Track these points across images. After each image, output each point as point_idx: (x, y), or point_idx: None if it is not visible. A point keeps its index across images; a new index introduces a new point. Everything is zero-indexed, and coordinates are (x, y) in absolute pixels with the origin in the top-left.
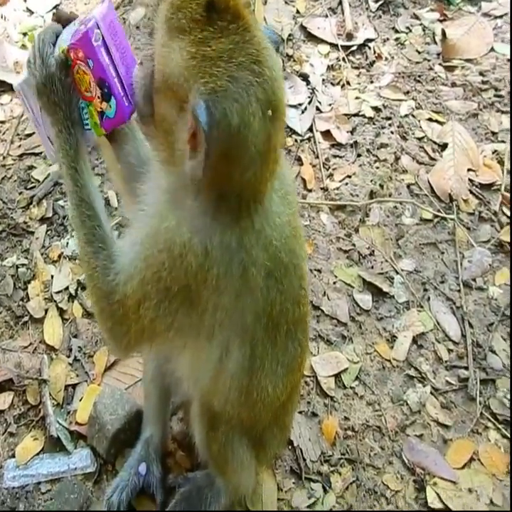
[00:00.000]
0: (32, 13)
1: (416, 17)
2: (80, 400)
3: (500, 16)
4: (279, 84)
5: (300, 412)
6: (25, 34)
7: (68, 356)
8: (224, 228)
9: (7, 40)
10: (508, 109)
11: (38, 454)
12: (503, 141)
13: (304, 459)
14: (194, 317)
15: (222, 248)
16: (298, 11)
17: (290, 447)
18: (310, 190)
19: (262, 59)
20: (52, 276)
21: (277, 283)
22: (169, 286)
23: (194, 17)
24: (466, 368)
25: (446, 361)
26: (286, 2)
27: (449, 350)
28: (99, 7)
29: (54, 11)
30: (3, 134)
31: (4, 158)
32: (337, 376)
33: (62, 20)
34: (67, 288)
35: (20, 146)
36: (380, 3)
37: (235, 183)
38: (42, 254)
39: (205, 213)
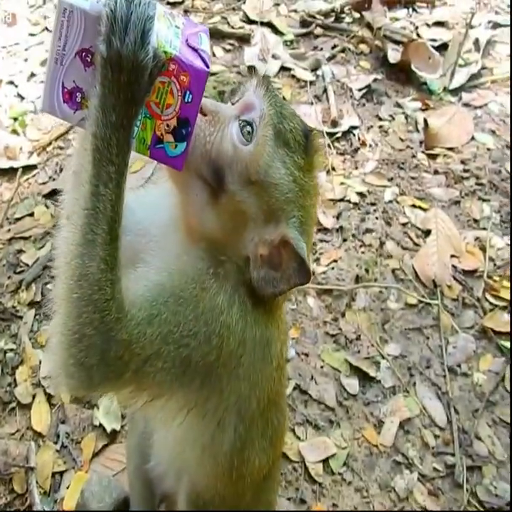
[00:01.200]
0: (23, 98)
1: (399, 105)
2: (68, 488)
3: (480, 107)
4: None
5: (288, 499)
6: (15, 119)
7: (55, 443)
8: (258, 324)
9: None
10: (489, 197)
11: None
12: (484, 229)
13: None
14: (203, 393)
15: (255, 341)
16: (284, 98)
17: None
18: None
19: None
20: (40, 361)
21: (281, 372)
22: (193, 358)
23: (297, 138)
24: (453, 455)
25: (432, 447)
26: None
27: (436, 436)
28: (204, 38)
29: None
30: None
31: None
32: (325, 462)
33: None
34: None
35: (9, 230)
36: (364, 91)
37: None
38: (30, 339)
39: (246, 305)
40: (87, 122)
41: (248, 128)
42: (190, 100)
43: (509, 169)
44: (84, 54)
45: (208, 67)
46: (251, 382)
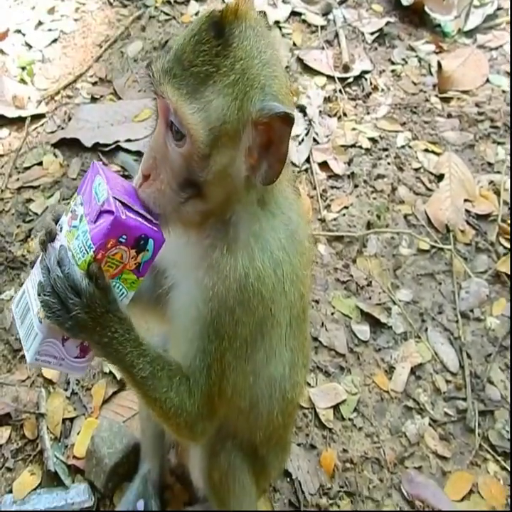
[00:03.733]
0: (31, 47)
1: (412, 49)
2: (78, 434)
3: (496, 48)
4: None
5: (298, 444)
6: (24, 68)
7: (66, 390)
8: (277, 228)
9: (6, 75)
10: (504, 140)
11: (35, 489)
12: (499, 172)
13: (303, 492)
14: (267, 339)
15: (284, 246)
16: (294, 44)
17: (288, 479)
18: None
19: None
20: None
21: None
22: (246, 333)
23: (212, 54)
24: (465, 400)
25: (444, 392)
26: (283, 35)
27: (447, 381)
28: (99, 178)
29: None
30: (2, 167)
31: (2, 191)
32: (335, 408)
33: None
34: None
35: (18, 179)
36: (376, 35)
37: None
38: None
39: (262, 227)
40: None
41: (174, 127)
42: (126, 237)
43: None
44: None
45: (112, 213)
46: (294, 282)
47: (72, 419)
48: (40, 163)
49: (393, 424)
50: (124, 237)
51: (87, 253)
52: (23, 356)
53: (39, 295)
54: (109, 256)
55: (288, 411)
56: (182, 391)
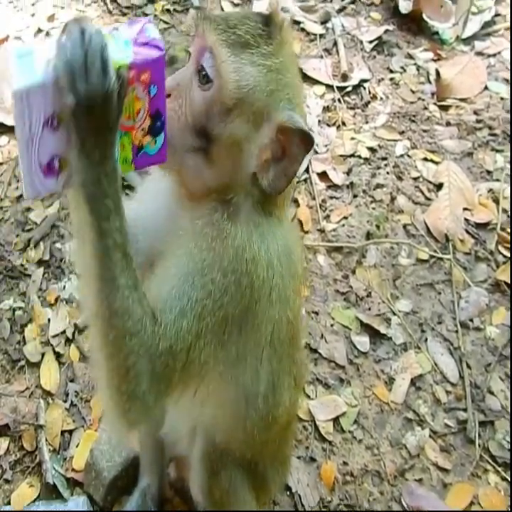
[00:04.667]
0: None
1: (410, 57)
2: (77, 446)
3: (493, 55)
4: None
5: (298, 457)
6: None
7: (65, 401)
8: (276, 237)
9: (5, 81)
10: (503, 147)
11: (33, 501)
12: (498, 180)
13: (303, 505)
14: (242, 338)
15: (280, 256)
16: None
17: (288, 493)
18: (306, 232)
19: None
20: (48, 320)
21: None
22: (230, 312)
23: (256, 32)
24: (465, 410)
25: (444, 403)
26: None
27: (447, 392)
28: (150, 26)
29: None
30: (1, 175)
31: (1, 200)
32: (335, 420)
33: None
34: (64, 332)
35: (17, 187)
36: (375, 43)
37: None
38: (39, 297)
39: (262, 226)
40: (73, 177)
41: (205, 72)
42: (155, 92)
43: None
44: (49, 122)
45: (161, 50)
46: (283, 301)
47: (71, 431)
48: None
49: (393, 436)
50: (155, 89)
51: (124, 60)
52: (22, 367)
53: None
54: (133, 90)
55: (273, 430)
56: (147, 328)
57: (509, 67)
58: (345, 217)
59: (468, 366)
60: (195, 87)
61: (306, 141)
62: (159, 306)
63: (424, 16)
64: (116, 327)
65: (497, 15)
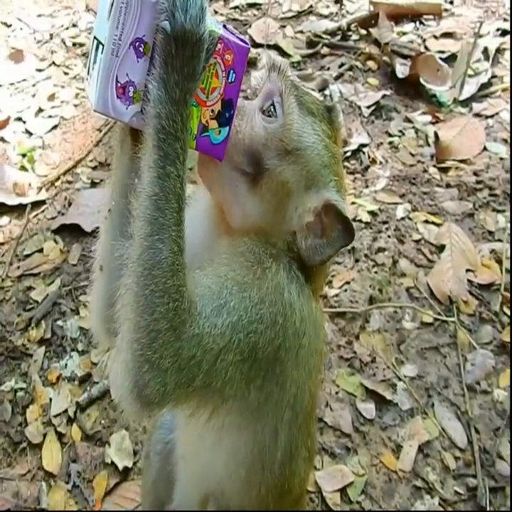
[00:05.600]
0: (31, 134)
1: (408, 120)
2: None
3: (491, 116)
4: None
5: None
6: (24, 155)
7: (67, 482)
8: (310, 300)
9: (6, 162)
10: (504, 207)
11: None
12: (500, 240)
13: None
14: (266, 389)
15: (311, 319)
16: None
17: None
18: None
19: None
20: (50, 400)
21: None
22: (261, 346)
23: (321, 109)
24: (475, 476)
25: (453, 470)
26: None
27: (456, 458)
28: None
29: None
30: (2, 255)
31: (3, 280)
32: (342, 490)
33: None
34: (66, 411)
35: (18, 267)
36: (373, 108)
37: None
38: (40, 377)
39: (301, 281)
40: (149, 107)
41: (272, 108)
42: (233, 80)
43: None
44: (137, 44)
45: (247, 44)
46: (307, 369)
47: None
48: (40, 250)
49: (402, 506)
50: (234, 76)
51: (217, 29)
52: (24, 449)
53: None
54: (216, 63)
55: (287, 501)
56: (184, 301)
57: (508, 127)
58: (347, 282)
59: (477, 431)
60: (258, 116)
61: (347, 233)
62: (198, 292)
63: (421, 80)
64: (157, 281)
65: (493, 77)
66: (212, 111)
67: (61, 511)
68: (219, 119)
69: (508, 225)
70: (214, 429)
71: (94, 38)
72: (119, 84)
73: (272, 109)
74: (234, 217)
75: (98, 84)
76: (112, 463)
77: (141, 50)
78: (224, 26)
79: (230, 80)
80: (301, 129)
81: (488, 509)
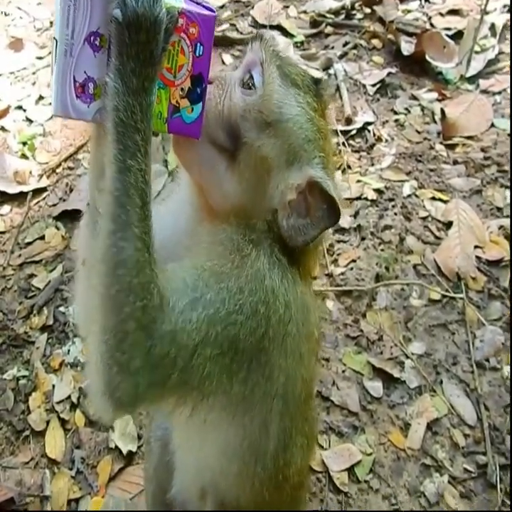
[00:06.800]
0: (31, 122)
1: (414, 98)
2: None
3: (499, 92)
4: None
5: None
6: (25, 143)
7: (71, 469)
8: (297, 284)
9: (7, 151)
10: (510, 183)
11: None
12: (508, 216)
13: None
14: (251, 381)
15: (298, 305)
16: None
17: None
18: (315, 278)
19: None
20: (53, 386)
21: (318, 344)
22: (242, 337)
23: (306, 81)
24: (484, 454)
25: (463, 447)
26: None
27: (466, 436)
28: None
29: None
30: (4, 244)
31: (4, 268)
32: (350, 470)
33: None
34: (68, 397)
35: (20, 255)
36: (378, 86)
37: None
38: (43, 364)
39: (284, 265)
40: (106, 100)
41: (251, 79)
42: (201, 53)
43: None
44: (92, 38)
45: (213, 12)
46: (297, 356)
47: (77, 500)
48: (42, 237)
49: (411, 484)
50: (201, 49)
51: (178, 3)
52: (27, 436)
53: None
54: (180, 40)
55: (284, 490)
56: (154, 298)
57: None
58: (353, 261)
59: (486, 408)
60: (238, 88)
61: (333, 213)
62: (172, 287)
63: (427, 57)
64: (121, 280)
65: (501, 53)
66: (182, 89)
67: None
68: (190, 97)
69: None
70: (201, 424)
71: (54, 38)
72: (77, 84)
73: (252, 81)
74: (214, 198)
75: (55, 87)
76: (116, 448)
77: (98, 44)
78: None
79: (197, 54)
80: (282, 100)
81: (498, 486)
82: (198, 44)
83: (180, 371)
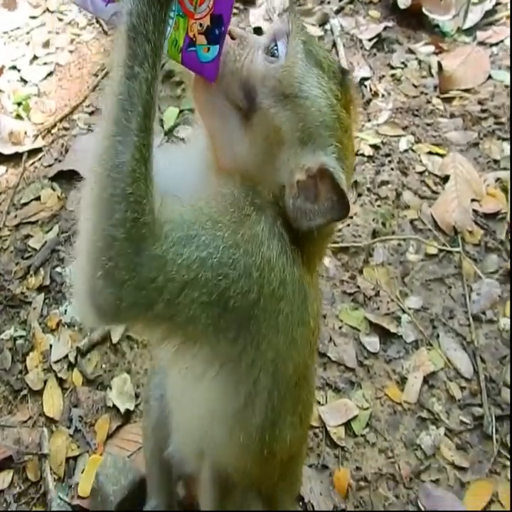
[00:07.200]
0: (26, 82)
1: (411, 52)
2: (82, 472)
3: (496, 44)
4: None
5: (310, 466)
6: (19, 104)
7: (69, 427)
8: (297, 266)
9: (2, 112)
10: (509, 135)
11: None
12: (505, 169)
13: None
14: (239, 344)
15: (294, 286)
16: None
17: (301, 503)
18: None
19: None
20: (50, 346)
21: (315, 339)
22: (232, 294)
23: (332, 66)
24: (481, 406)
25: (459, 400)
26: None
27: (462, 388)
28: None
29: None
30: None
31: (0, 229)
32: (347, 424)
33: None
34: (66, 356)
35: (16, 216)
36: (375, 41)
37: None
38: (40, 324)
39: (285, 241)
40: (122, 3)
41: (276, 48)
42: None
43: None
44: None
45: None
46: (289, 338)
47: (75, 458)
48: (38, 198)
49: (407, 437)
50: None
51: None
52: (25, 396)
53: None
54: None
55: (273, 463)
56: (146, 215)
57: (510, 55)
58: (350, 217)
59: (483, 360)
60: (261, 53)
61: (342, 207)
62: (168, 216)
63: (424, 10)
64: (115, 184)
65: (498, 4)
66: (201, 25)
67: None
68: (208, 36)
69: None
70: (193, 384)
71: None
72: None
73: (276, 50)
74: (223, 155)
75: None
76: (114, 406)
77: None
78: None
79: None
80: (303, 76)
81: (494, 437)
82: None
83: (166, 303)
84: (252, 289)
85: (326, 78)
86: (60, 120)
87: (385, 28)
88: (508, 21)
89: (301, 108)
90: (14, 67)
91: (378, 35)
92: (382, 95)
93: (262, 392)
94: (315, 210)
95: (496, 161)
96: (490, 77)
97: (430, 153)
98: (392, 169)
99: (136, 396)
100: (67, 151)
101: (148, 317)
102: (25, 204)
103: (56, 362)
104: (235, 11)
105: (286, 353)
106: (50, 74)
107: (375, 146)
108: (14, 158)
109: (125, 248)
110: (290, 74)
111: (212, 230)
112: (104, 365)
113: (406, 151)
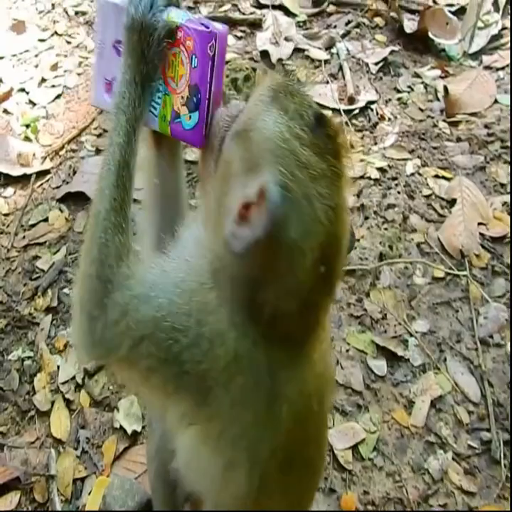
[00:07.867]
0: (34, 104)
1: (417, 75)
2: (89, 494)
3: (502, 68)
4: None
5: (317, 490)
6: (28, 126)
7: (76, 448)
8: (258, 344)
9: (10, 134)
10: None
11: None
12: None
13: None
14: (204, 410)
15: (253, 364)
16: (298, 80)
17: None
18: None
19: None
20: (58, 367)
21: (302, 429)
22: (185, 358)
23: (302, 112)
24: (489, 430)
25: (467, 424)
26: (286, 72)
27: (470, 412)
28: (219, 26)
29: None
30: (7, 226)
31: (8, 251)
32: (354, 448)
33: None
34: (73, 377)
35: (24, 237)
36: (381, 65)
37: (274, 297)
38: (47, 345)
39: (241, 311)
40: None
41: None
42: (196, 65)
43: None
44: (117, 44)
45: (211, 31)
46: (259, 416)
47: (83, 479)
48: (45, 220)
49: (415, 461)
50: (196, 61)
51: (178, 19)
52: (32, 417)
53: None
54: (179, 51)
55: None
56: (105, 269)
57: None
58: (357, 240)
59: (490, 384)
60: (234, 105)
61: (269, 220)
62: (138, 270)
63: (430, 34)
64: (92, 228)
65: (504, 28)
66: (182, 97)
67: None
68: (188, 105)
69: None
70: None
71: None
72: (106, 81)
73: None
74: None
75: (93, 83)
76: (121, 427)
77: (120, 49)
78: (196, 19)
79: (193, 66)
80: (258, 113)
81: (502, 462)
82: (194, 56)
83: (129, 349)
84: (202, 360)
85: (286, 118)
86: (68, 142)
87: (392, 52)
88: None
89: (249, 140)
90: (23, 90)
91: (384, 59)
92: (389, 119)
93: (238, 468)
94: (245, 231)
95: (502, 185)
96: (496, 101)
97: (437, 176)
98: (398, 192)
99: (143, 417)
100: (75, 172)
101: (118, 357)
102: (33, 225)
103: (63, 383)
104: (241, 34)
105: (259, 431)
106: (58, 96)
107: (381, 170)
108: (22, 180)
109: (95, 286)
110: (244, 113)
111: (170, 295)
112: (111, 387)
113: (413, 174)
